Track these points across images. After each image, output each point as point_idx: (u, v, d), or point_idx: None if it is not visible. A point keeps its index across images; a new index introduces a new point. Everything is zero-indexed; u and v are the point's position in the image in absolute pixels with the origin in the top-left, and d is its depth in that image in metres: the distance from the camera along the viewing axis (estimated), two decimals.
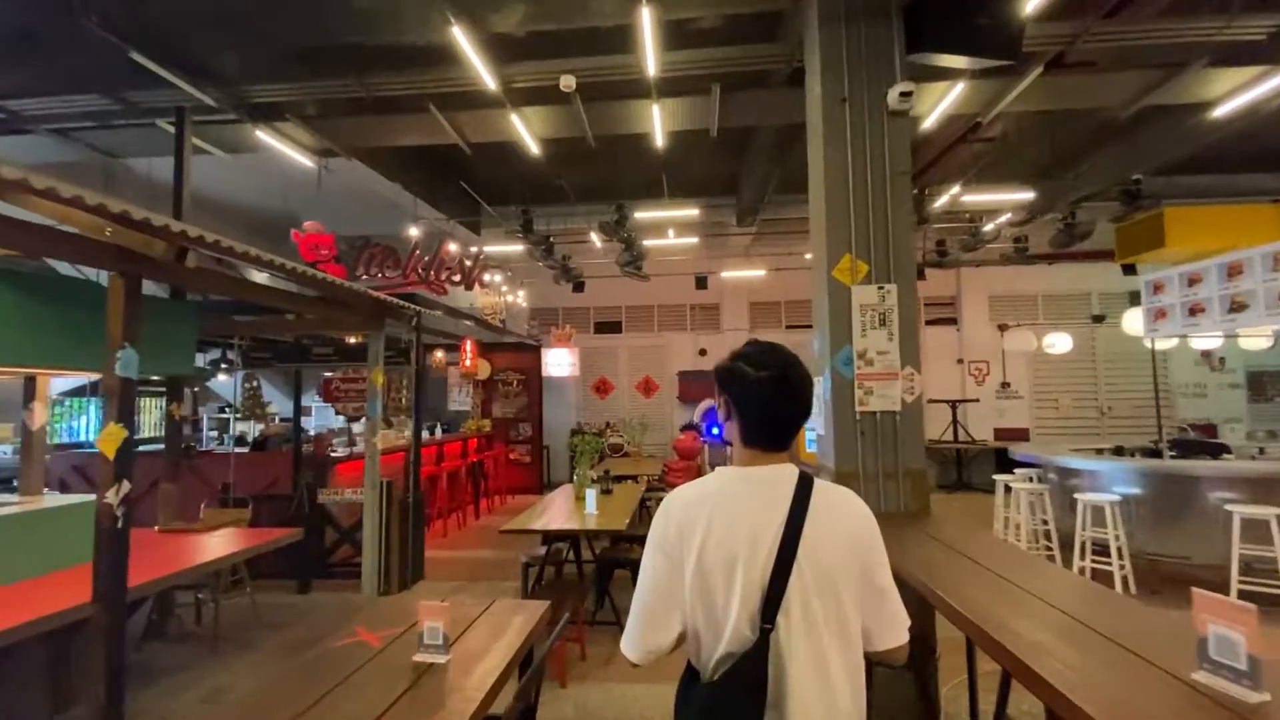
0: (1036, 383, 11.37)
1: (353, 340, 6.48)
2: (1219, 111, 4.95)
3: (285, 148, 5.21)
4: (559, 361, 10.94)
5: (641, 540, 1.37)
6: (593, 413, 11.72)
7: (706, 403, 10.47)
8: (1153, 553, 5.28)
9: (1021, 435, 10.99)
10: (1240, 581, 4.48)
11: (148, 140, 5.49)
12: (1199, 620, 1.39)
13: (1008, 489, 6.29)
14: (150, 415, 12.82)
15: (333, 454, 6.24)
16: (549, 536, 4.31)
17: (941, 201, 6.84)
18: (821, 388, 3.34)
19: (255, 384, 5.77)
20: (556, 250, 8.52)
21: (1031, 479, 6.33)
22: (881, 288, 3.16)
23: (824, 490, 1.17)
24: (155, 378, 10.51)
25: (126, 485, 2.50)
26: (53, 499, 3.67)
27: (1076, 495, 5.28)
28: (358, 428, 7.29)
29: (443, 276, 6.55)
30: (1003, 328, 11.28)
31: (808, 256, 10.02)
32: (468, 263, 6.53)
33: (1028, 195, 6.63)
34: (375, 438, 4.34)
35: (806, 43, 3.57)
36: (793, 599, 1.08)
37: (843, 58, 3.29)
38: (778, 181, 7.38)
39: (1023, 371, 11.33)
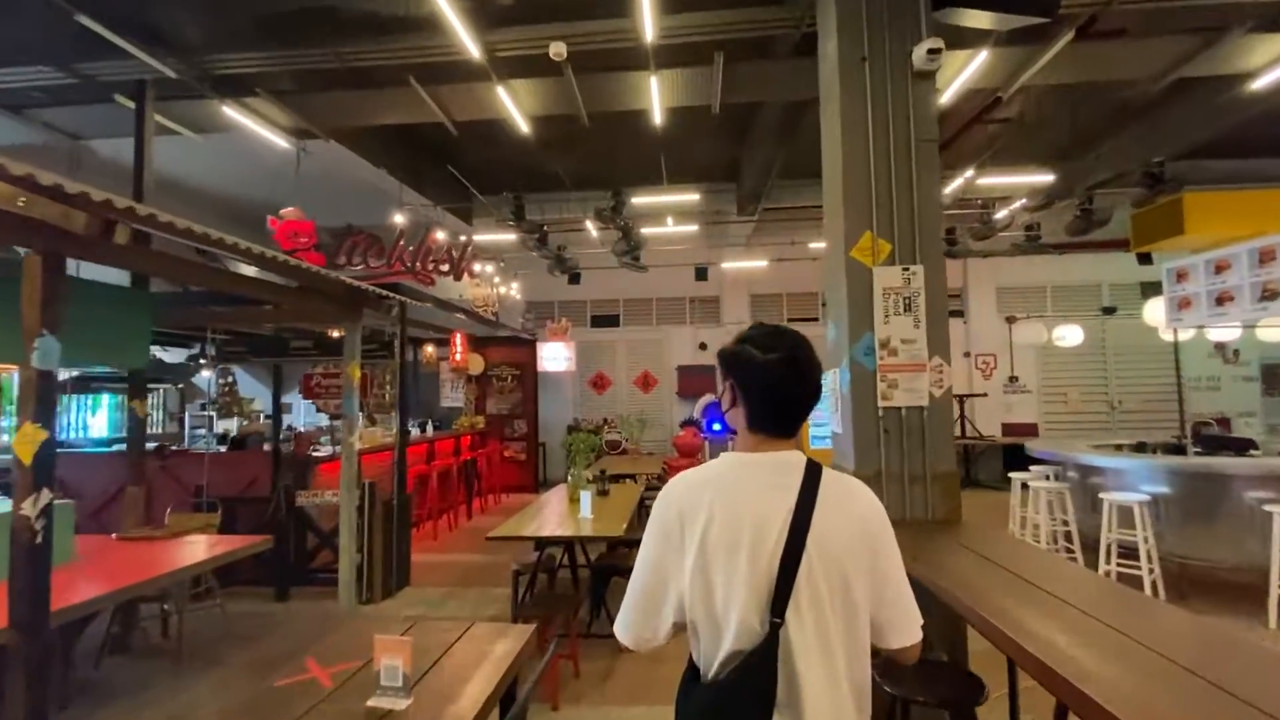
0: (1045, 377, 11.08)
1: (335, 334, 6.15)
2: (1259, 83, 4.62)
3: (258, 126, 4.86)
4: (555, 356, 10.61)
5: (640, 544, 1.24)
6: (590, 409, 11.40)
7: (707, 398, 10.15)
8: (1182, 555, 4.98)
9: (1030, 430, 10.71)
10: None
11: (112, 120, 5.14)
12: None
13: (1024, 487, 6.00)
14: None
15: (315, 453, 5.91)
16: (541, 542, 4.00)
17: (955, 185, 6.52)
18: (838, 381, 3.01)
19: (231, 379, 5.44)
20: (551, 240, 8.18)
21: (1049, 477, 6.04)
22: (906, 269, 2.83)
23: (833, 478, 1.11)
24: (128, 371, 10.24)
25: (47, 495, 2.17)
26: None
27: (1102, 495, 4.98)
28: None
29: (430, 266, 6.21)
30: (1010, 320, 10.97)
31: (811, 246, 9.79)
32: (455, 252, 6.19)
33: (1047, 178, 6.30)
34: (353, 437, 4.02)
35: None
36: (801, 591, 1.03)
37: (862, 13, 2.95)
38: (781, 167, 7.05)
39: (1031, 365, 11.03)
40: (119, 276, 4.33)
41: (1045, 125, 6.34)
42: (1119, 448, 6.43)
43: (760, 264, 9.62)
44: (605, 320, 11.61)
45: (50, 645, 2.29)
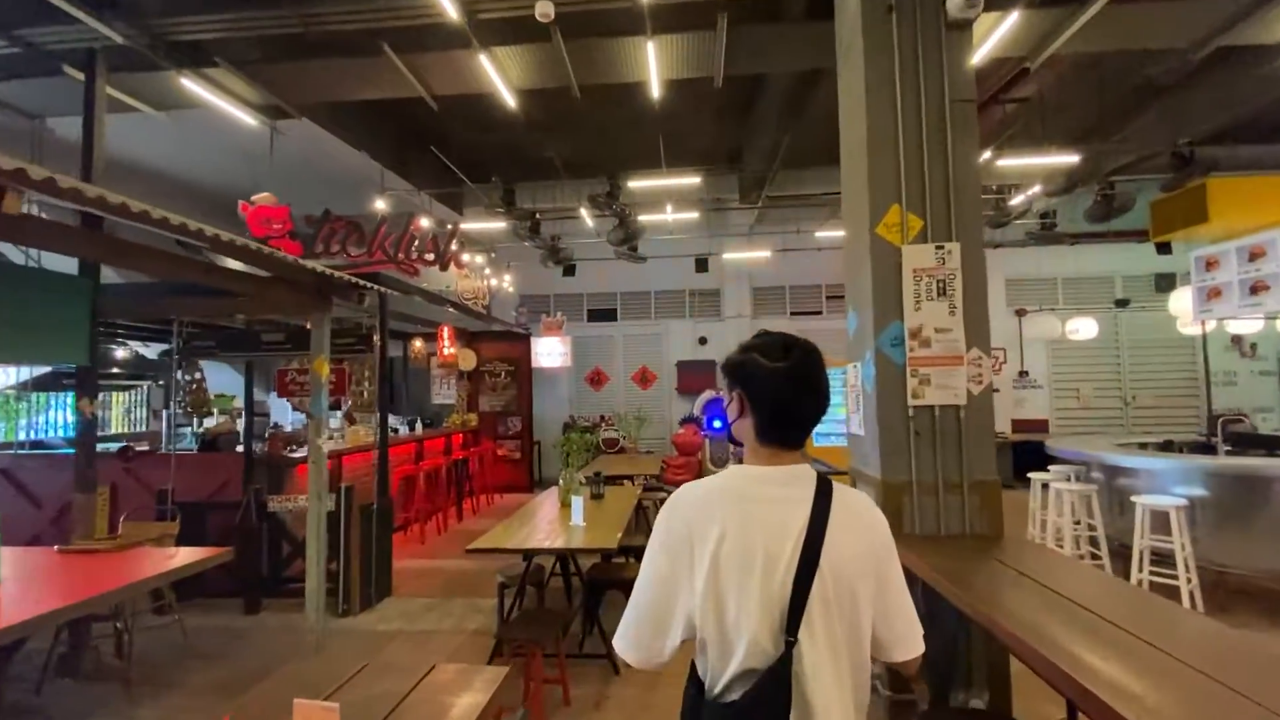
0: (1056, 371, 10.74)
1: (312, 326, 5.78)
2: None
3: (222, 102, 4.48)
4: (550, 351, 10.25)
5: (637, 552, 1.33)
6: (587, 406, 11.04)
7: (707, 394, 9.79)
8: (1220, 563, 4.64)
9: (1040, 427, 10.38)
10: None
11: (74, 98, 4.75)
12: None
13: (1044, 487, 5.66)
14: (114, 410, 12.13)
15: (292, 454, 5.55)
16: (528, 553, 3.64)
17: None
18: (859, 376, 2.65)
19: (198, 375, 5.07)
20: (545, 230, 7.80)
21: (1069, 477, 5.69)
22: (940, 248, 2.47)
23: (843, 494, 1.10)
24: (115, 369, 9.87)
25: None
26: None
27: (1135, 498, 4.63)
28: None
29: (414, 255, 5.84)
30: (1020, 313, 10.62)
31: (817, 235, 9.41)
32: (441, 241, 5.82)
33: (1071, 159, 5.93)
34: (320, 438, 3.65)
35: None
36: (814, 609, 1.02)
37: None
38: (787, 151, 6.67)
39: (1041, 359, 10.69)
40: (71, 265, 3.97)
41: (1066, 106, 5.97)
42: (1144, 446, 6.08)
43: (763, 254, 9.24)
44: (602, 314, 11.24)
45: None
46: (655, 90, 4.48)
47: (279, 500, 4.85)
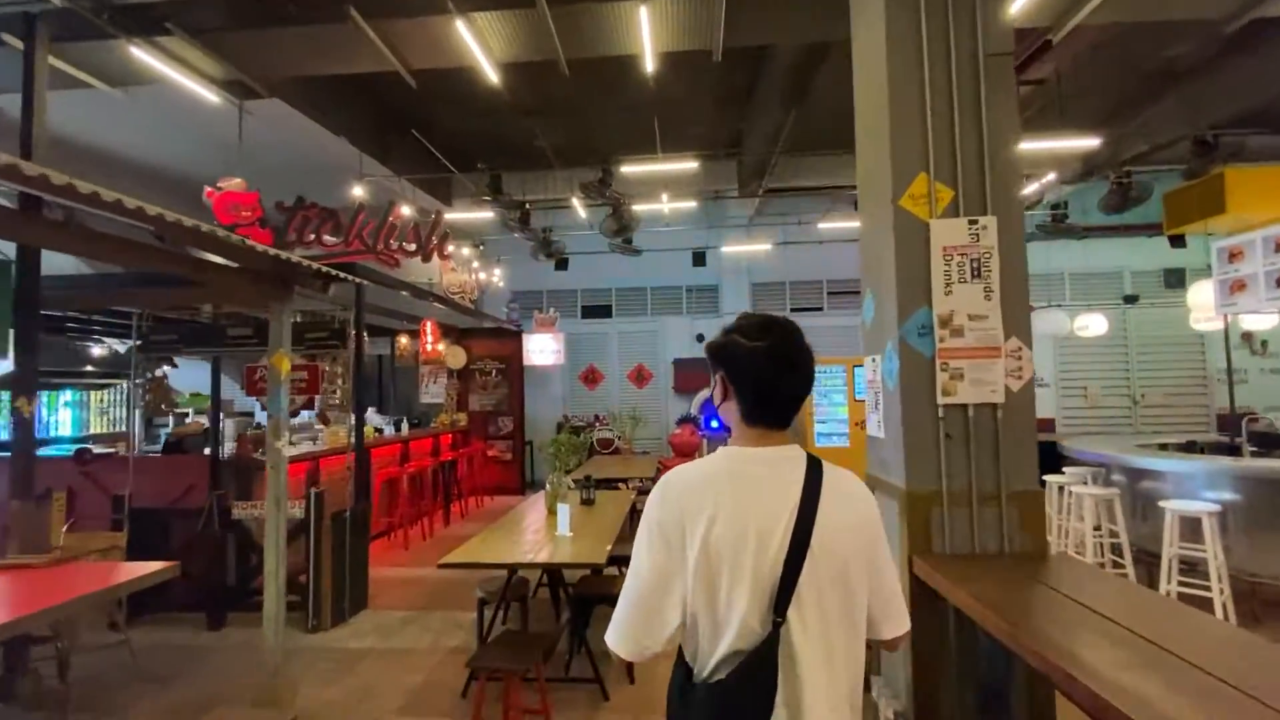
0: (1062, 369, 10.45)
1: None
2: None
3: (179, 75, 4.13)
4: (542, 349, 9.91)
5: (629, 562, 1.09)
6: (581, 405, 10.71)
7: (705, 393, 9.47)
8: (1253, 573, 4.34)
9: (1047, 426, 10.07)
10: None
11: (15, 70, 4.39)
12: None
13: (1060, 490, 5.36)
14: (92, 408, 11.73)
15: (263, 456, 5.20)
16: (506, 568, 3.32)
17: None
18: (880, 371, 2.33)
19: (158, 373, 4.73)
20: (536, 221, 7.47)
21: (1087, 480, 5.38)
22: (974, 222, 2.15)
23: (833, 474, 1.10)
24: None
25: None
26: None
27: (1163, 504, 4.32)
28: (300, 420, 6.27)
29: (394, 245, 5.49)
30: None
31: (820, 226, 9.08)
32: (423, 230, 5.47)
33: (1091, 142, 5.62)
34: (279, 440, 3.32)
35: None
36: (805, 590, 1.01)
37: None
38: (788, 138, 6.35)
39: (1048, 357, 10.40)
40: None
41: (1083, 91, 5.67)
42: (1164, 447, 5.79)
43: (763, 247, 8.92)
44: (596, 310, 10.90)
45: None
46: (649, 64, 4.15)
47: (244, 507, 4.51)
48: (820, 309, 10.42)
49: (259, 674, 3.38)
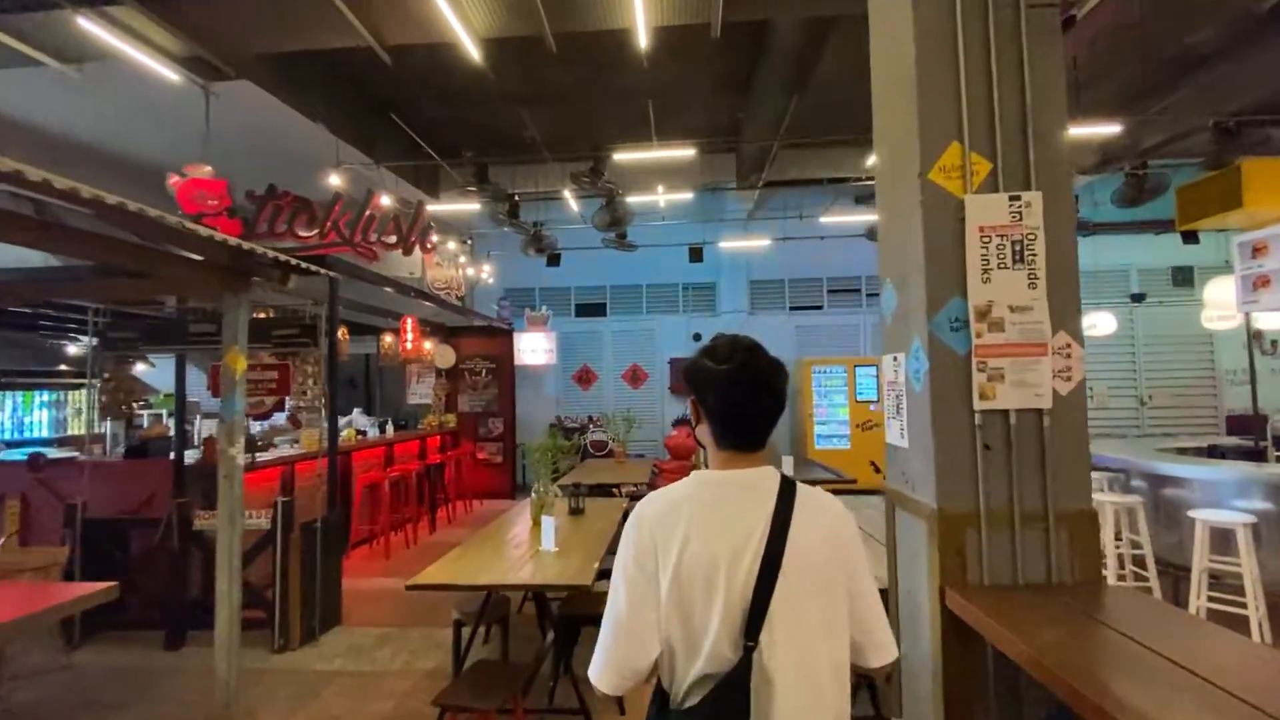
0: None
1: (260, 314, 5.11)
2: None
3: (133, 49, 3.81)
4: (534, 348, 9.61)
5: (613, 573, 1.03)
6: (574, 406, 10.39)
7: None
8: None
9: None
10: None
11: None
12: None
13: None
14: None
15: None
16: (482, 590, 3.01)
17: None
18: (904, 371, 2.04)
19: (121, 373, 4.41)
20: (526, 215, 7.16)
21: (1103, 487, 5.10)
22: (1015, 199, 1.86)
23: (807, 493, 1.10)
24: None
25: None
26: None
27: (1192, 513, 4.04)
28: (261, 427, 5.94)
29: (373, 237, 5.18)
30: None
31: (821, 220, 8.77)
32: (404, 222, 5.16)
33: (1112, 128, 5.34)
34: (234, 449, 3.00)
35: None
36: (779, 611, 1.00)
37: None
38: (791, 121, 6.05)
39: None
40: None
41: (1100, 78, 5.39)
42: (1182, 451, 5.52)
43: (762, 243, 8.63)
44: (590, 309, 10.60)
45: None
46: (643, 39, 3.84)
47: (208, 517, 4.19)
48: (820, 307, 10.14)
49: (214, 703, 3.08)
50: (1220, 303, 6.52)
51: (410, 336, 6.92)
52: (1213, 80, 5.73)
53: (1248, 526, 3.78)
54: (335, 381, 4.68)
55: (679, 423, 9.57)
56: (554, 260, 8.40)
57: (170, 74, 4.15)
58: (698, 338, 10.22)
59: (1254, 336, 9.93)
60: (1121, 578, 4.61)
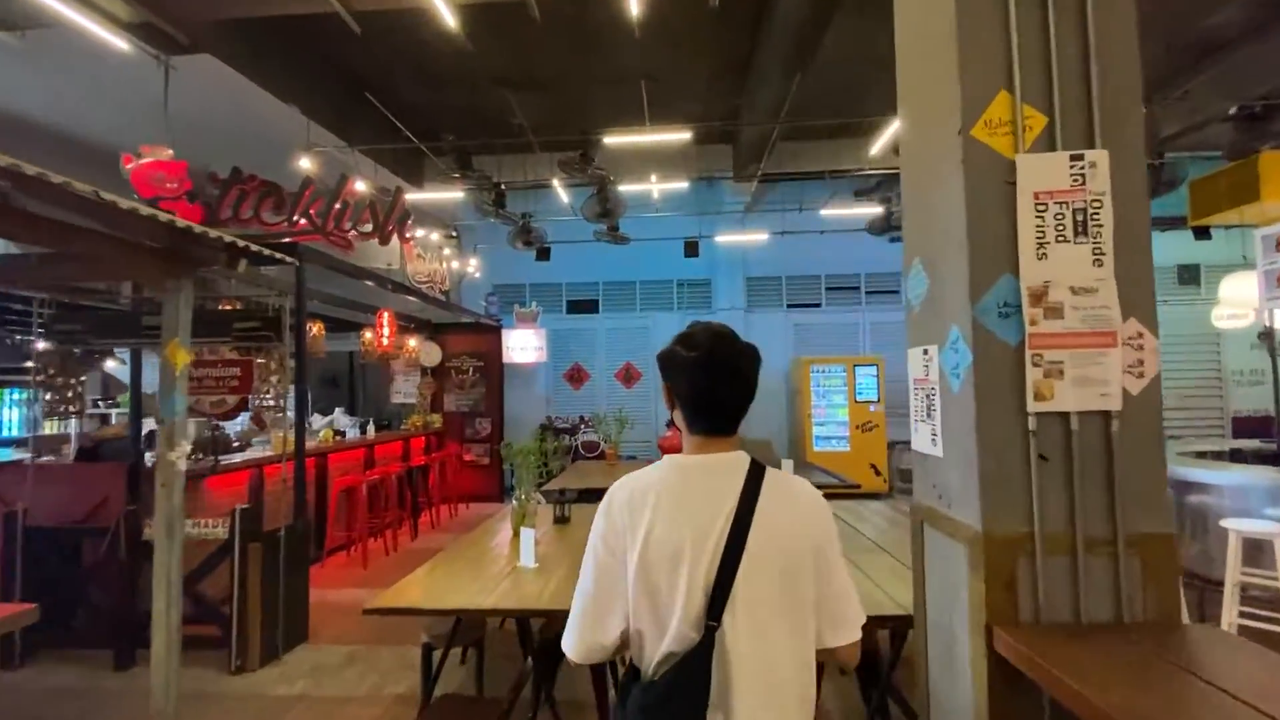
0: None
1: (228, 305, 4.76)
2: None
3: (76, 13, 3.47)
4: (523, 345, 9.28)
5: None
6: (565, 405, 10.07)
7: None
8: None
9: None
10: None
11: None
12: None
13: None
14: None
15: (198, 462, 4.54)
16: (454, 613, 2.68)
17: None
18: (937, 366, 1.73)
19: (68, 368, 4.06)
20: (515, 206, 6.84)
21: None
22: (1078, 159, 1.55)
23: (775, 478, 1.11)
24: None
25: None
26: None
27: (1225, 523, 3.76)
28: (243, 429, 5.60)
29: (346, 225, 4.84)
30: None
31: (822, 214, 8.44)
32: (380, 208, 4.83)
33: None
34: (174, 453, 2.67)
35: None
36: (739, 594, 1.02)
37: None
38: (791, 108, 5.75)
39: None
40: None
41: (1112, 68, 5.13)
42: (1201, 455, 5.25)
43: (759, 237, 8.33)
44: (582, 305, 10.27)
45: None
46: (634, 6, 3.53)
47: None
48: (818, 305, 9.85)
49: None
50: (1236, 300, 6.26)
51: (386, 331, 6.57)
52: (1233, 66, 5.48)
53: None
54: (304, 379, 4.34)
55: (673, 423, 9.27)
56: (544, 254, 8.08)
57: (120, 43, 3.80)
58: None
59: (1261, 336, 9.73)
60: None
